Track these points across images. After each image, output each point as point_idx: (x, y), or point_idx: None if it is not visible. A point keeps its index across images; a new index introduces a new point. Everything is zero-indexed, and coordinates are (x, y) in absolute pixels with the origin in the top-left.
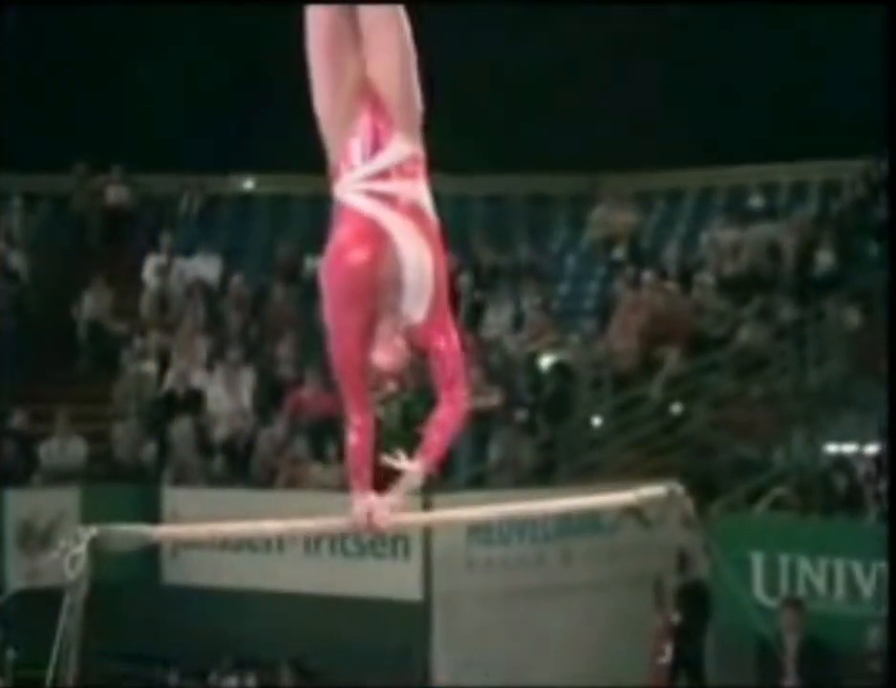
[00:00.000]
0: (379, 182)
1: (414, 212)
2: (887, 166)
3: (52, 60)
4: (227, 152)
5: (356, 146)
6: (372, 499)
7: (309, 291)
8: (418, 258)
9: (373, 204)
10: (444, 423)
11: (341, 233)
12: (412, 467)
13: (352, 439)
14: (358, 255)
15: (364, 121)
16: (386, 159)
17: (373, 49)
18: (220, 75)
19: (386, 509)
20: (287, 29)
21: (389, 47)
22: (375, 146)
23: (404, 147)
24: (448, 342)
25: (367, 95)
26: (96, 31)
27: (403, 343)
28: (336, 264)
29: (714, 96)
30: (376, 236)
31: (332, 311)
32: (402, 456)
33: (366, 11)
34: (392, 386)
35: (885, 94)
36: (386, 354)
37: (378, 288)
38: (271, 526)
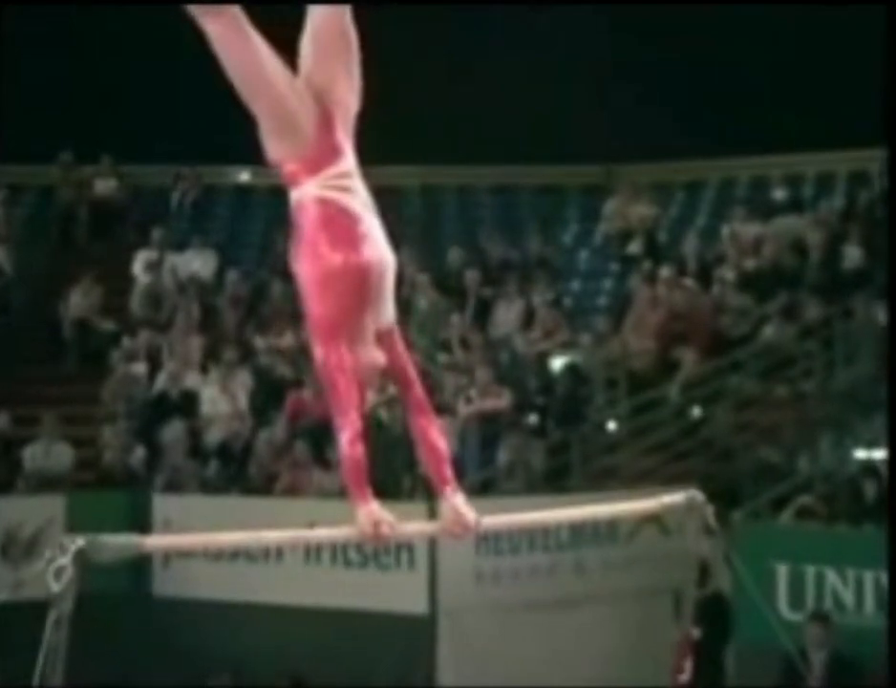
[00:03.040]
0: (347, 180)
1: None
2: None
3: (35, 42)
4: (223, 141)
5: (321, 147)
6: (375, 507)
7: None
8: (390, 256)
9: (353, 202)
10: (436, 440)
11: (329, 232)
12: (458, 504)
13: (350, 450)
14: (360, 252)
15: (323, 123)
16: (349, 160)
17: (324, 54)
18: (215, 58)
19: (391, 518)
20: (286, 12)
21: (340, 51)
22: (339, 148)
23: (351, 151)
24: (401, 342)
25: (319, 98)
26: (83, 13)
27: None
28: (333, 262)
29: (736, 83)
30: (363, 233)
31: (326, 312)
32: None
33: (316, 16)
34: (392, 389)
35: (885, 94)
36: (380, 353)
37: (373, 284)
38: (272, 536)
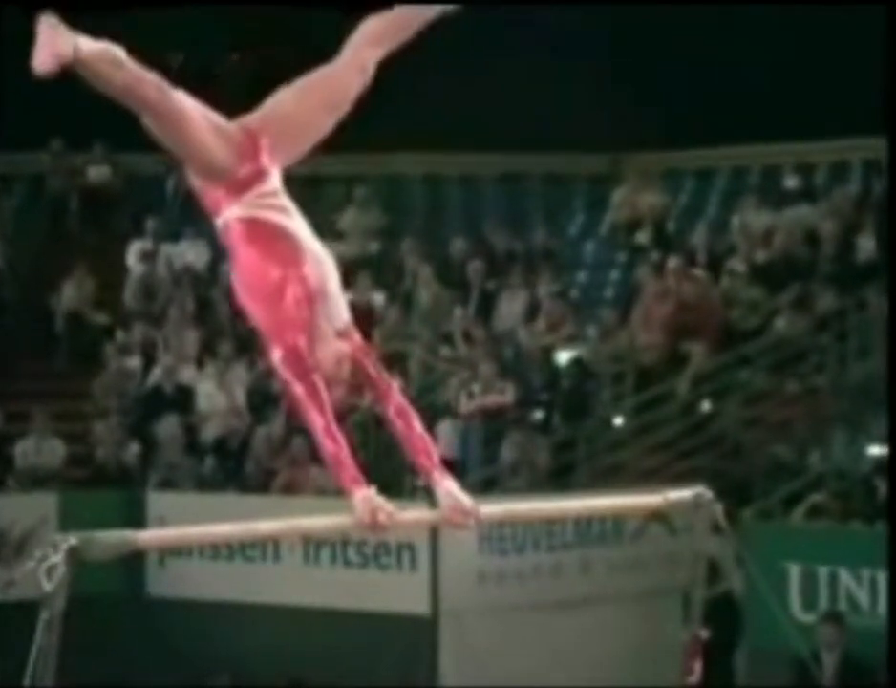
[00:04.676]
0: (271, 199)
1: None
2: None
3: (25, 21)
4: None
5: (244, 173)
6: (371, 493)
7: None
8: (329, 263)
9: (279, 216)
10: (417, 427)
11: (261, 248)
12: (452, 488)
13: (327, 444)
14: (295, 261)
15: (247, 150)
16: (274, 180)
17: (316, 104)
18: (214, 42)
19: (390, 507)
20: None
21: (336, 108)
22: (263, 170)
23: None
24: (359, 339)
25: (259, 123)
26: None
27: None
28: (271, 276)
29: (748, 68)
30: (294, 243)
31: (276, 322)
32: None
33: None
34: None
35: (885, 94)
36: (343, 343)
37: (316, 291)
38: (267, 527)
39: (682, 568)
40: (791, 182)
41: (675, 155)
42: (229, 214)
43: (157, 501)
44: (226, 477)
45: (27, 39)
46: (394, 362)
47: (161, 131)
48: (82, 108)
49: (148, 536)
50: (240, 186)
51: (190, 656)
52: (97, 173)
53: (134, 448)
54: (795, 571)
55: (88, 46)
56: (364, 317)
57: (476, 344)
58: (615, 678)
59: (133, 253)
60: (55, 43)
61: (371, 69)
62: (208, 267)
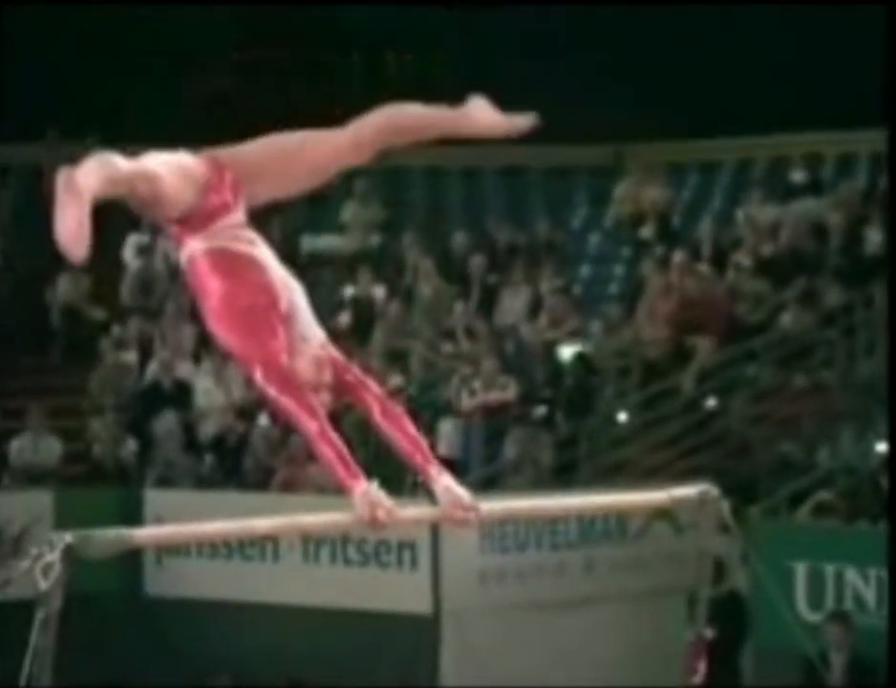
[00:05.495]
0: (235, 230)
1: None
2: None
3: (21, 12)
4: (217, 117)
5: (207, 208)
6: (370, 488)
7: (306, 272)
8: (298, 289)
9: (242, 245)
10: (408, 427)
11: (227, 276)
12: (450, 483)
13: (325, 450)
14: (261, 286)
15: (212, 186)
16: (238, 214)
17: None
18: (214, 34)
19: (390, 503)
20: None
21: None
22: (227, 204)
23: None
24: (336, 353)
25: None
26: None
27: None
28: (240, 303)
29: (754, 58)
30: (258, 269)
31: (248, 344)
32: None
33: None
34: (392, 382)
35: (885, 93)
36: (322, 350)
37: (284, 314)
38: (265, 524)
39: (687, 567)
40: (798, 174)
41: (679, 147)
42: (195, 246)
43: (154, 499)
44: (225, 475)
45: (22, 31)
46: (395, 359)
47: (141, 206)
48: (79, 97)
49: (145, 534)
50: (205, 219)
51: (188, 656)
52: None
53: (131, 445)
54: (801, 570)
55: (111, 183)
56: (364, 313)
57: (477, 340)
58: (618, 679)
59: (129, 247)
60: (78, 210)
61: (370, 155)
62: None
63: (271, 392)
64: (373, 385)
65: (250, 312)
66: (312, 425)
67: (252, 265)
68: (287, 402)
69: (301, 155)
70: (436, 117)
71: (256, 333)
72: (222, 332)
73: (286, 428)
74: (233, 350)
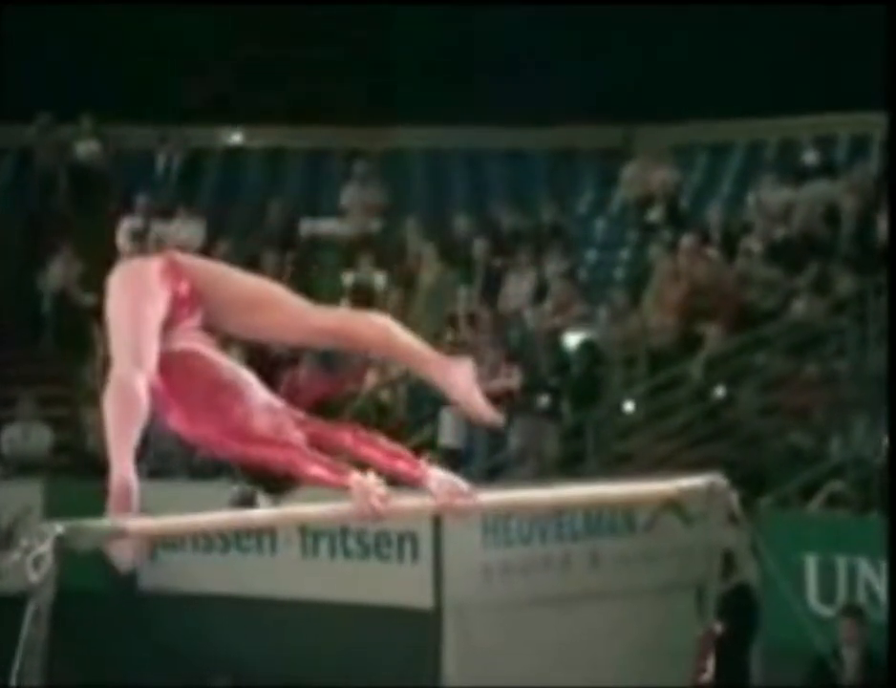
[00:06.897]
0: (198, 333)
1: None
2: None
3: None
4: (213, 100)
5: (177, 308)
6: (362, 477)
7: (304, 259)
8: (255, 381)
9: (206, 347)
10: (388, 446)
11: (198, 378)
12: (434, 476)
13: (308, 471)
14: (217, 373)
15: (179, 285)
16: (196, 318)
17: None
18: (205, 12)
19: (384, 490)
20: None
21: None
22: (190, 309)
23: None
24: (295, 412)
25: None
26: None
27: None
28: (216, 400)
29: (764, 37)
30: (227, 369)
31: (226, 430)
32: None
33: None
34: (395, 370)
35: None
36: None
37: (245, 395)
38: (261, 516)
39: (696, 560)
40: (810, 156)
41: (689, 128)
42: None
43: (148, 490)
44: (220, 466)
45: (13, 16)
46: None
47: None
48: (70, 78)
49: (138, 524)
50: (168, 323)
51: (184, 651)
52: (86, 147)
53: None
54: (812, 562)
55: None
56: (365, 299)
57: (481, 326)
58: (626, 675)
59: (122, 232)
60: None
61: (324, 344)
62: (202, 245)
63: (236, 450)
64: (331, 426)
65: (223, 404)
66: (288, 454)
67: (216, 364)
68: (255, 451)
69: (270, 314)
70: (416, 357)
71: (230, 419)
72: (195, 427)
73: None
74: (210, 442)
